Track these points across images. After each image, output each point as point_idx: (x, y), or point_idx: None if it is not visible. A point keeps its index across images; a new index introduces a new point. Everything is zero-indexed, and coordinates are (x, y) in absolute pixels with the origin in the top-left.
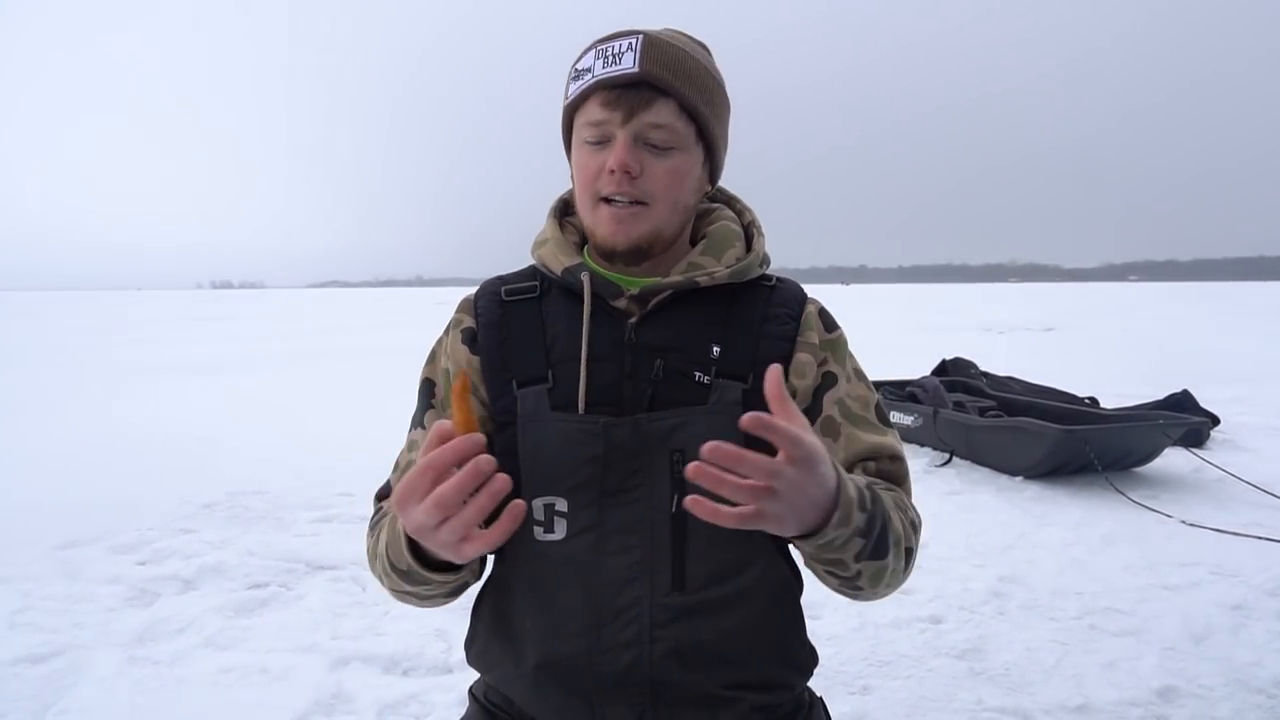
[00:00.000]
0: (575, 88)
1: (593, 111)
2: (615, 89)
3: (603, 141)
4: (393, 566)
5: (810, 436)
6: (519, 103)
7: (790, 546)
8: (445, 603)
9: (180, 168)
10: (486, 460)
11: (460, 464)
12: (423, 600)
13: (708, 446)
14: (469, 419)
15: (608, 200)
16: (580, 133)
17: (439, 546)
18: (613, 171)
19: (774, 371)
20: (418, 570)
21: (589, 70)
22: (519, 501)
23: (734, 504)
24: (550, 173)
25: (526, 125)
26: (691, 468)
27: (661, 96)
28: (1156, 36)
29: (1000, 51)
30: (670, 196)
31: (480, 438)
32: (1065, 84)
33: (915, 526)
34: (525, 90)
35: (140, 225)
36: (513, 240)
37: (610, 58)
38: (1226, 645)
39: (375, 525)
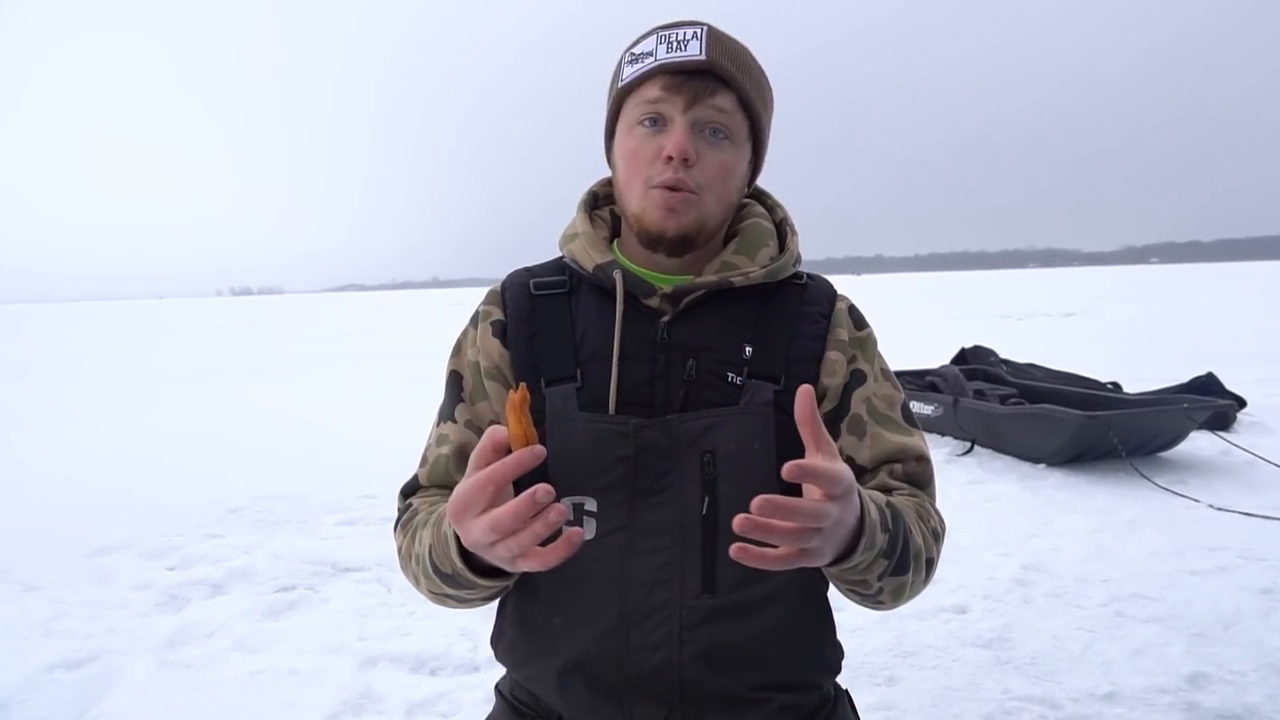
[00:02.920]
0: (634, 70)
1: (652, 93)
2: (679, 74)
3: (658, 124)
4: (435, 569)
5: (842, 466)
6: (536, 105)
7: None
8: (483, 605)
9: (198, 175)
10: (544, 491)
11: (519, 477)
12: (461, 604)
13: (757, 502)
14: (528, 432)
15: (657, 185)
16: (633, 114)
17: (493, 559)
18: (670, 158)
19: (805, 393)
20: (465, 575)
21: (650, 54)
22: (577, 530)
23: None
24: (565, 175)
25: (542, 127)
26: (739, 521)
27: (724, 87)
28: (1175, 13)
29: (1016, 34)
30: (719, 189)
31: (541, 450)
32: (1082, 64)
33: (937, 535)
34: (542, 92)
35: (158, 234)
36: (529, 239)
37: (675, 44)
38: (1257, 630)
39: (406, 524)
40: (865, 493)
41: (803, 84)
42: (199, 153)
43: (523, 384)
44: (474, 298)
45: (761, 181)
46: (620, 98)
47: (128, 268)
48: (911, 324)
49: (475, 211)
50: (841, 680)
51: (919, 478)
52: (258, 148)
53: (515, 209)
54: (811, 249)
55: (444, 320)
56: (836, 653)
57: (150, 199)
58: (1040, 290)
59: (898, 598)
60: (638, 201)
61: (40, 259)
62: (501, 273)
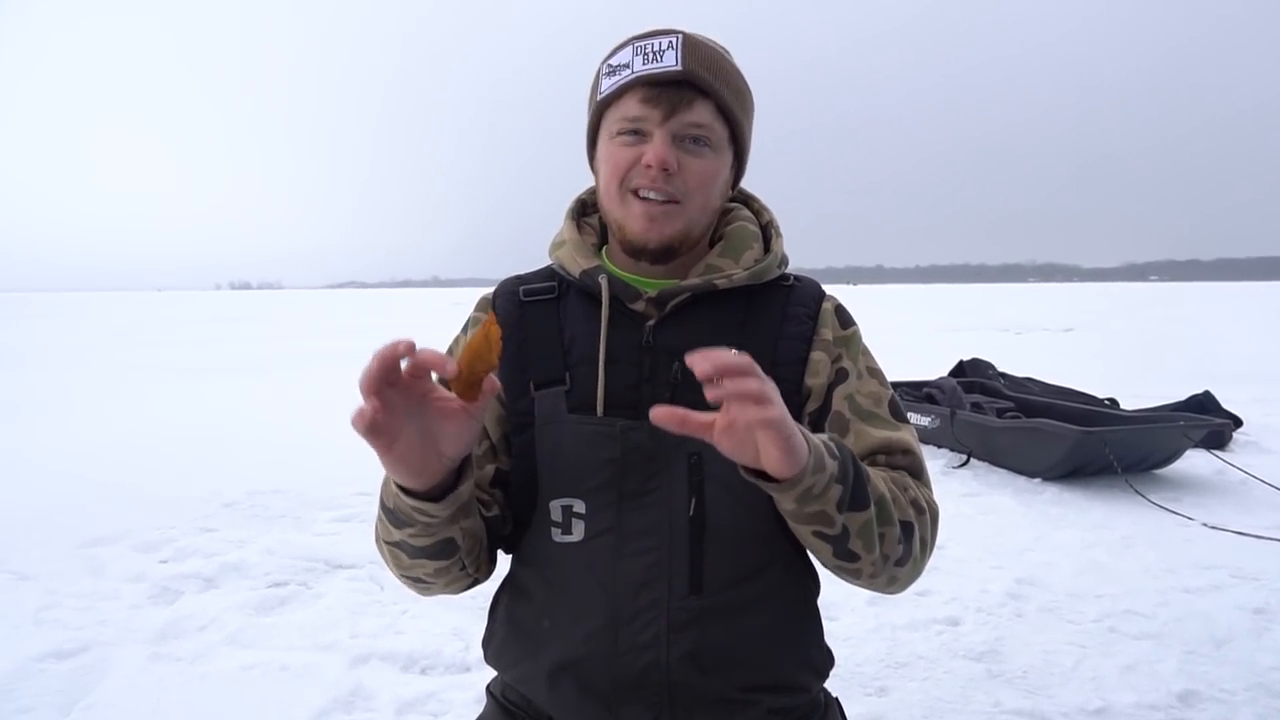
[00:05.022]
0: (611, 83)
1: (631, 107)
2: (656, 86)
3: (638, 134)
4: (383, 506)
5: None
6: (537, 103)
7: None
8: (441, 573)
9: (198, 168)
10: (406, 345)
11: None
12: (412, 559)
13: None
14: (474, 361)
15: (637, 194)
16: (612, 126)
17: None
18: (649, 166)
19: (698, 358)
20: (402, 502)
21: (626, 66)
22: (371, 408)
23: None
24: (568, 173)
25: (544, 126)
26: (657, 412)
27: (702, 96)
28: (1180, 29)
29: (1017, 46)
30: (702, 196)
31: (410, 342)
32: (1085, 79)
33: (919, 507)
34: (551, 94)
35: (158, 226)
36: (529, 240)
37: (650, 55)
38: (1248, 649)
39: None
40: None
41: (806, 93)
42: (200, 145)
43: (491, 314)
44: (474, 297)
45: (761, 187)
46: (600, 109)
47: (126, 259)
48: (910, 335)
49: (477, 212)
50: (833, 689)
51: (907, 469)
52: (260, 141)
53: (518, 210)
54: (812, 258)
55: (443, 319)
56: (825, 655)
57: (150, 190)
58: (1039, 305)
59: (870, 547)
60: (620, 211)
61: (37, 248)
62: (502, 273)
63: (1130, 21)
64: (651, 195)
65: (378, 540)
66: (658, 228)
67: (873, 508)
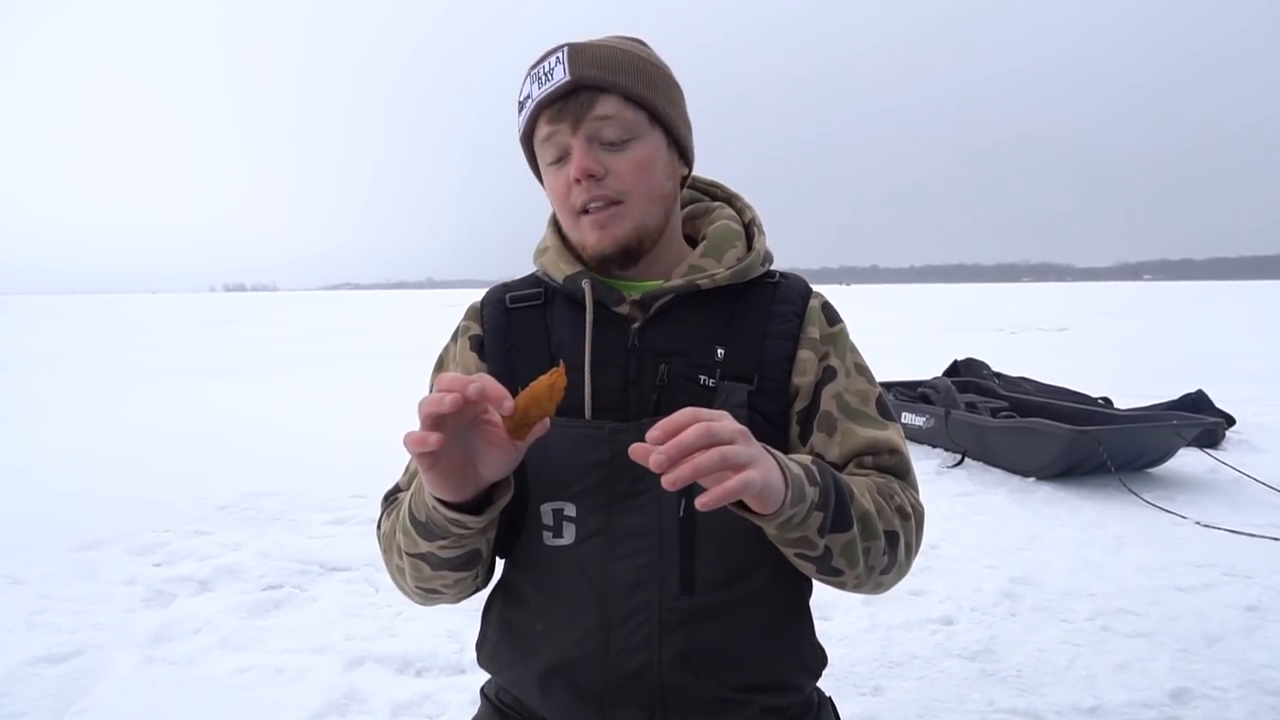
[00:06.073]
0: (522, 118)
1: (543, 131)
2: (555, 103)
3: (563, 158)
4: (413, 519)
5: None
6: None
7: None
8: (457, 583)
9: (192, 170)
10: (476, 389)
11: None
12: (435, 570)
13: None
14: (529, 409)
15: (586, 211)
16: (543, 156)
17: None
18: (578, 181)
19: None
20: (438, 513)
21: (529, 97)
22: (437, 435)
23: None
24: None
25: None
26: (634, 450)
27: (600, 94)
28: (1176, 35)
29: (1013, 47)
30: (643, 187)
31: (489, 391)
32: (1079, 81)
33: (905, 513)
34: None
35: (151, 228)
36: (523, 242)
37: (542, 77)
38: (1241, 647)
39: (390, 508)
40: (781, 454)
41: (807, 100)
42: (195, 147)
43: (562, 365)
44: (468, 298)
45: (760, 189)
46: (527, 145)
47: (120, 262)
48: (905, 335)
49: (472, 213)
50: (827, 689)
51: (893, 470)
52: (253, 143)
53: (513, 212)
54: (808, 258)
55: (438, 321)
56: (817, 654)
57: (144, 193)
58: (1034, 304)
59: (854, 562)
60: (575, 232)
61: (28, 251)
62: (496, 275)
63: (1127, 28)
64: (592, 205)
65: (392, 553)
66: (609, 233)
67: (856, 527)
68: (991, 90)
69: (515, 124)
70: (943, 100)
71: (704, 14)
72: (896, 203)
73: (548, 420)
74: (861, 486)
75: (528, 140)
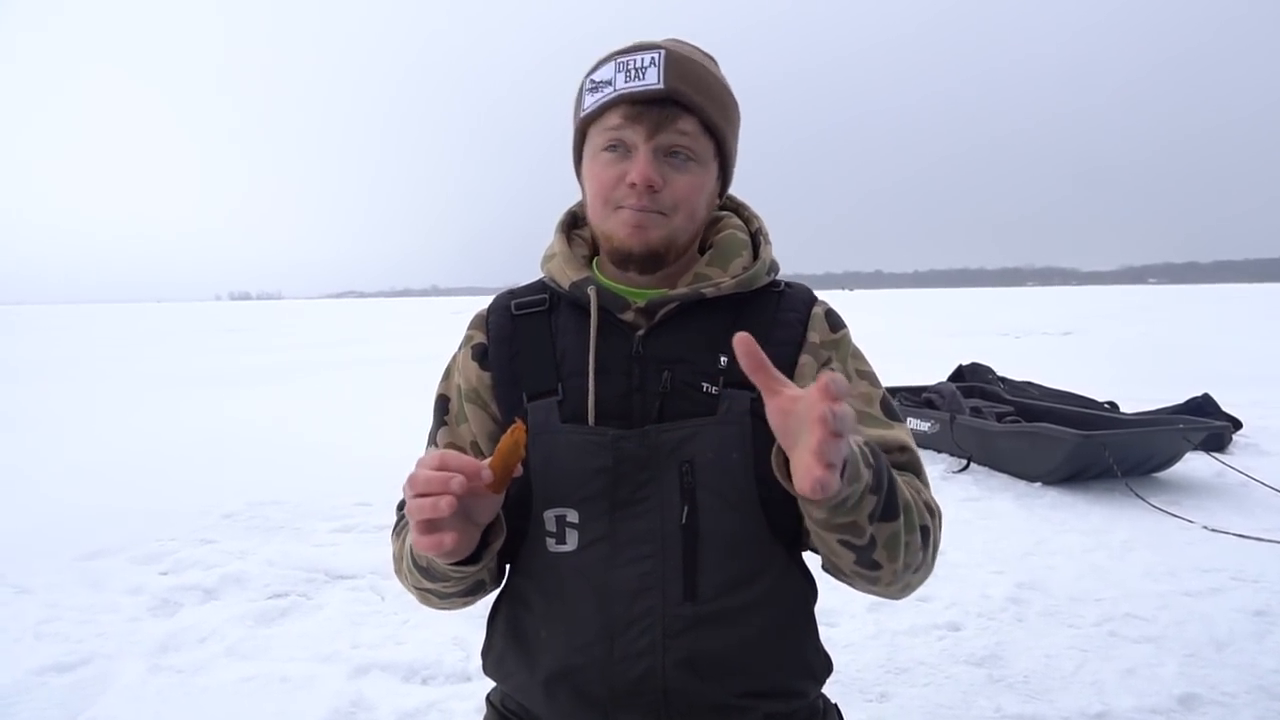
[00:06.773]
0: (594, 100)
1: (614, 124)
2: (639, 104)
3: (617, 147)
4: (415, 563)
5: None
6: (538, 113)
7: (804, 552)
8: (465, 602)
9: (197, 178)
10: (474, 473)
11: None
12: (443, 599)
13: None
14: (507, 462)
15: (623, 206)
16: (597, 140)
17: (411, 519)
18: (634, 185)
19: (743, 341)
20: (436, 564)
21: (608, 83)
22: (452, 535)
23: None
24: (568, 183)
25: (546, 135)
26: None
27: (685, 113)
28: (1179, 35)
29: (1017, 49)
30: (688, 209)
31: (490, 476)
32: (1084, 85)
33: (932, 511)
34: (545, 101)
35: (155, 236)
36: (529, 249)
37: (632, 72)
38: (1249, 652)
39: (400, 531)
40: None
41: (806, 101)
42: (198, 156)
43: (520, 426)
44: (474, 306)
45: (760, 193)
46: (583, 126)
47: (125, 271)
48: (909, 340)
49: (476, 221)
50: (833, 696)
51: (906, 468)
52: (258, 151)
53: (518, 219)
54: (811, 264)
55: (443, 328)
56: (821, 659)
57: (148, 201)
58: (1038, 308)
59: (894, 557)
60: (605, 222)
61: (32, 261)
62: (501, 283)
63: (1130, 28)
64: (638, 209)
65: (403, 575)
66: (643, 234)
67: (901, 517)
68: (996, 98)
69: (522, 121)
70: (948, 107)
71: (704, 14)
72: (899, 206)
73: (520, 466)
74: (899, 479)
75: (587, 123)
